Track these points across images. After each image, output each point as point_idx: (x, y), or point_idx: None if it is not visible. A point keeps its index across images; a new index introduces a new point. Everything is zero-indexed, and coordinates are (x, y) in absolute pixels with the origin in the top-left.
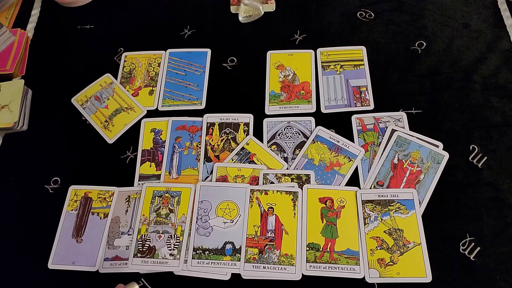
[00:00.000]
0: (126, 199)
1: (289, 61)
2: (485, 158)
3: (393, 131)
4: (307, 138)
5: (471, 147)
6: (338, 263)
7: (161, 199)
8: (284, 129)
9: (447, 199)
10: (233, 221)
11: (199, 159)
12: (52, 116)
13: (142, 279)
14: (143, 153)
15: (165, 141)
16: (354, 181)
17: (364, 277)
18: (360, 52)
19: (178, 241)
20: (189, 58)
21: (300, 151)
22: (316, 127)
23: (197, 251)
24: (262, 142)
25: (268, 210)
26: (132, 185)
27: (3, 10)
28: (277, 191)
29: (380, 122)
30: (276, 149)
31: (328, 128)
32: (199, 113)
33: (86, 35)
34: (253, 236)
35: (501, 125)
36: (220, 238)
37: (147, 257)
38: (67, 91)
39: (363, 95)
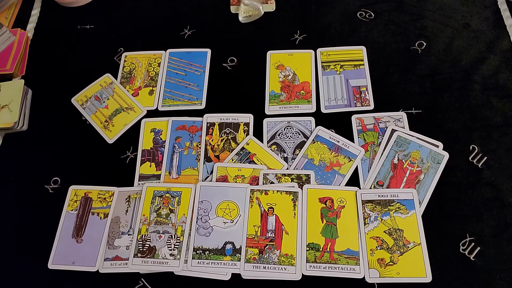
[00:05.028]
0: (126, 199)
1: (289, 61)
2: (485, 158)
3: (393, 131)
4: (307, 138)
5: (471, 147)
6: (338, 263)
7: (161, 199)
8: (284, 129)
9: (447, 199)
10: (233, 221)
11: (199, 159)
12: (52, 116)
13: (142, 279)
14: (143, 153)
15: (165, 141)
16: (354, 181)
17: (364, 277)
18: (360, 52)
19: (179, 241)
20: (189, 58)
21: (300, 151)
22: (316, 127)
23: (197, 251)
24: (262, 142)
25: (268, 210)
26: (132, 185)
27: (3, 10)
28: (277, 191)
29: (380, 122)
30: (276, 149)
31: (328, 128)
32: (199, 113)
33: (86, 35)
34: (253, 236)
35: (501, 125)
36: (220, 238)
37: (147, 257)
38: (67, 91)
39: (363, 95)
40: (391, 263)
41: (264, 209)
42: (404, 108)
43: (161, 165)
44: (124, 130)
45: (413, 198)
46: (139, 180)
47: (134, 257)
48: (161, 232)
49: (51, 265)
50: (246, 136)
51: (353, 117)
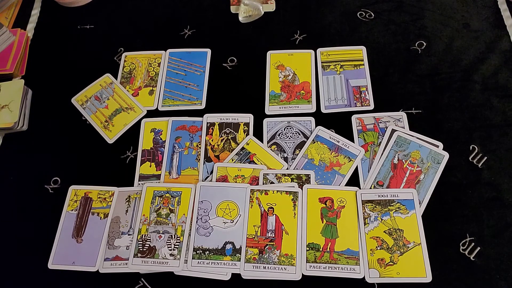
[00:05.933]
0: (126, 199)
1: (289, 61)
2: (485, 158)
3: (393, 131)
4: (307, 138)
5: (471, 147)
6: (338, 263)
7: (161, 199)
8: (284, 129)
9: (447, 199)
10: (233, 221)
11: (199, 159)
12: (52, 116)
13: (142, 279)
14: (143, 153)
15: (165, 141)
16: (354, 181)
17: (364, 277)
18: (360, 52)
19: (179, 241)
20: (189, 58)
21: (300, 151)
22: (316, 127)
23: (197, 251)
24: (262, 142)
25: (268, 210)
26: (132, 185)
27: (3, 10)
28: (277, 191)
29: (380, 122)
30: (276, 149)
31: (328, 128)
32: (199, 113)
33: (86, 35)
34: (253, 236)
35: (501, 125)
36: (220, 238)
37: (147, 257)
38: (67, 91)
39: (363, 95)
40: (391, 263)
41: (264, 209)
42: (404, 108)
43: (161, 165)
44: (124, 130)
45: (413, 198)
46: (139, 180)
47: (134, 257)
48: (161, 232)
49: (51, 265)
50: (246, 136)
51: (353, 117)
